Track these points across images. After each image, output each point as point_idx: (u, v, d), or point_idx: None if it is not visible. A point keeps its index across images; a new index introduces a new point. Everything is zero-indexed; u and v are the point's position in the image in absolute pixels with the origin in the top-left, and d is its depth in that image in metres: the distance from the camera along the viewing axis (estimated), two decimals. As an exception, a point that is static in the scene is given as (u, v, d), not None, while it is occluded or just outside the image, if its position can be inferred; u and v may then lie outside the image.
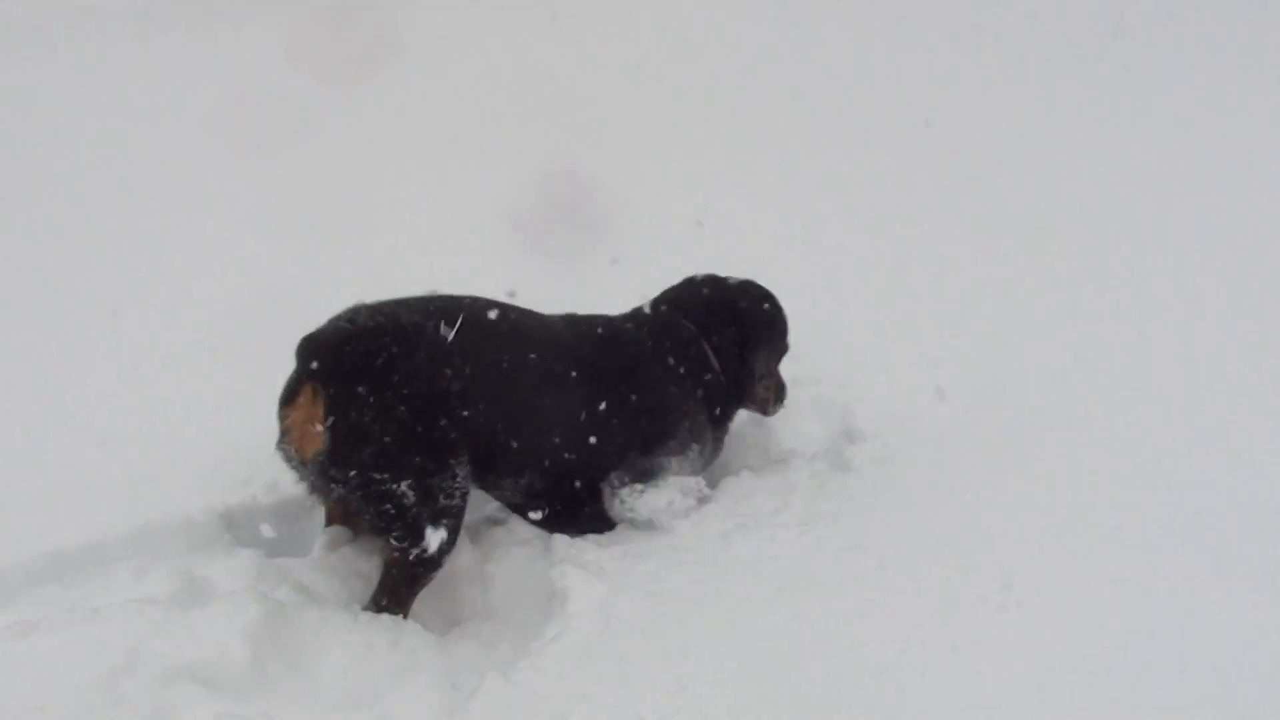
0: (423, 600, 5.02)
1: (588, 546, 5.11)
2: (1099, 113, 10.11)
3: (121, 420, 6.11)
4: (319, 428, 4.65)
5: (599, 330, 5.50)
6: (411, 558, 4.78)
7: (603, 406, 5.30)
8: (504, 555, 5.24)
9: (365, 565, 5.15)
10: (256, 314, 6.45)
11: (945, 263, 7.87)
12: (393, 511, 4.71)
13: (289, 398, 4.76)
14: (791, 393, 6.16)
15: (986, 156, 9.39)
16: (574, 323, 5.49)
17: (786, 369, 6.32)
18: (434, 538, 4.75)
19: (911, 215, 8.59)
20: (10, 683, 4.35)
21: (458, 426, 4.80)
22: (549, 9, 11.00)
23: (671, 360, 5.57)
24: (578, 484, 5.35)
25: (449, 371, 4.81)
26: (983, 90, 10.44)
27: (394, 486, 4.68)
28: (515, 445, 5.10)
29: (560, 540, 5.15)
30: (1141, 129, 9.82)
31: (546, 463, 5.23)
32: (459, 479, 4.80)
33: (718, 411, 5.73)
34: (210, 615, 4.65)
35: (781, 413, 6.02)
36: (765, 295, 5.95)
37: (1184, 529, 5.14)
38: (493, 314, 5.12)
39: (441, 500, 4.76)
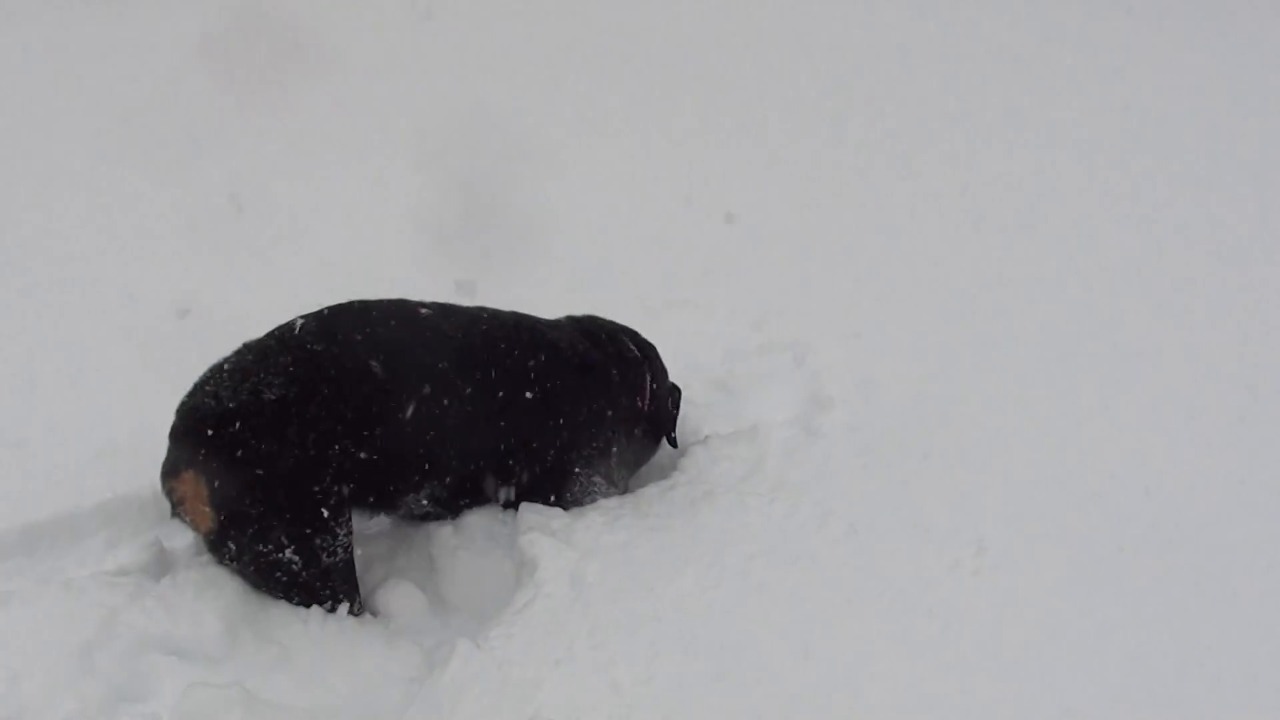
0: (393, 571, 5.06)
1: (556, 514, 5.11)
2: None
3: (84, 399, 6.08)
4: (206, 508, 4.68)
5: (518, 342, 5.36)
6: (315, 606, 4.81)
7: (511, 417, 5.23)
8: (472, 524, 5.24)
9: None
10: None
11: (916, 229, 7.89)
12: (284, 579, 4.73)
13: (172, 471, 4.75)
14: (759, 360, 6.19)
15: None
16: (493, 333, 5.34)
17: (751, 338, 6.37)
18: (326, 594, 4.77)
19: (869, 182, 8.61)
20: (-16, 653, 4.35)
21: (338, 483, 4.75)
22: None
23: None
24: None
25: (327, 430, 4.73)
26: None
27: (279, 556, 4.69)
28: (427, 466, 5.06)
29: (529, 509, 5.15)
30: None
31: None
32: (341, 535, 4.77)
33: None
34: (181, 587, 4.68)
35: (750, 380, 6.03)
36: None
37: (1157, 495, 5.20)
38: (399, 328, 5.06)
39: (325, 559, 4.75)
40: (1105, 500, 5.17)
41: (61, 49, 10.41)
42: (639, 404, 5.58)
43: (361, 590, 5.02)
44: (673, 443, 5.76)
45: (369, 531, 5.28)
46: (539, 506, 5.16)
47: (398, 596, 4.96)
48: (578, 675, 4.30)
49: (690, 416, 5.92)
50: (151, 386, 5.58)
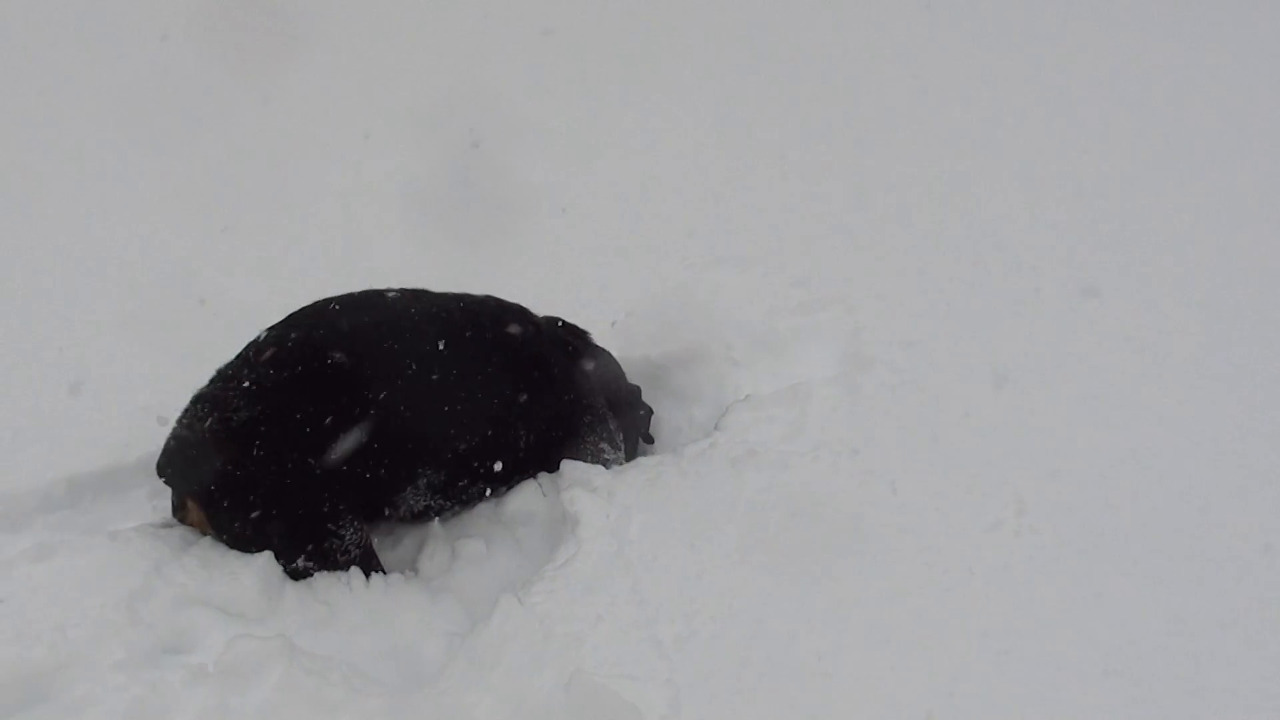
0: (432, 533, 5.11)
1: (598, 471, 5.11)
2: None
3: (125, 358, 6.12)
4: (215, 533, 4.79)
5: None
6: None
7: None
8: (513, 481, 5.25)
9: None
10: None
11: (958, 188, 7.83)
12: (309, 578, 4.77)
13: (179, 505, 4.85)
14: (800, 319, 6.18)
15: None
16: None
17: (791, 296, 6.36)
18: (349, 569, 4.81)
19: (913, 140, 8.56)
20: (31, 604, 4.39)
21: (331, 486, 4.76)
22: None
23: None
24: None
25: (307, 439, 4.72)
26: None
27: (295, 566, 4.74)
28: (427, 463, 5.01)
29: (570, 465, 5.15)
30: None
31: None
32: (349, 535, 4.79)
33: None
34: (220, 545, 4.78)
35: (791, 339, 6.03)
36: None
37: (1199, 450, 5.20)
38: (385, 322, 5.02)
39: (340, 559, 4.79)
40: (1144, 460, 5.16)
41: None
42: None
43: (402, 552, 5.06)
44: (648, 439, 5.77)
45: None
46: (581, 464, 5.16)
47: (438, 555, 4.98)
48: (619, 632, 4.33)
49: (731, 375, 5.90)
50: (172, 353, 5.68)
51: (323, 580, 4.73)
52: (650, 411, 5.77)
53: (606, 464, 5.32)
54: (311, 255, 7.13)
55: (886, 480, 5.01)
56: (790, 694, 4.11)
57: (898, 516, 4.84)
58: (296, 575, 4.73)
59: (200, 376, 4.88)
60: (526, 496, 5.15)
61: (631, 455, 5.58)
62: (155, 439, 5.08)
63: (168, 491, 4.95)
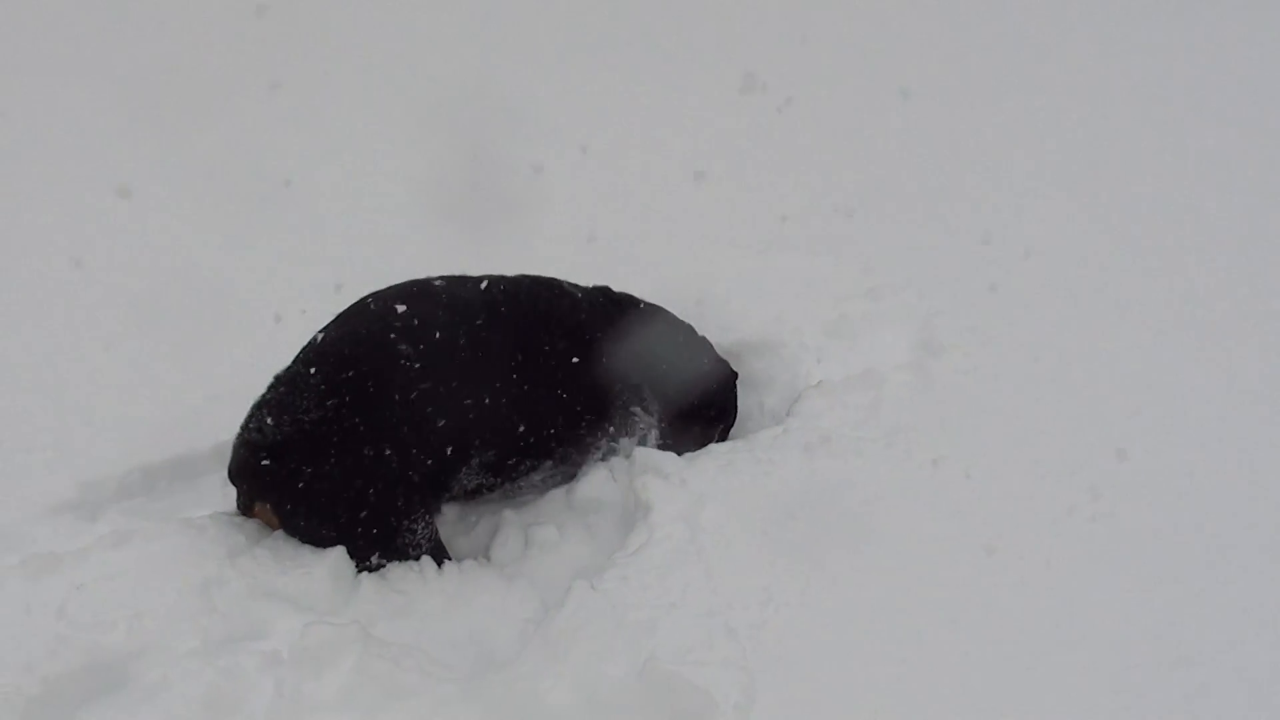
0: (503, 521, 5.11)
1: (670, 459, 5.09)
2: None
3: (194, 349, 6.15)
4: (288, 534, 4.81)
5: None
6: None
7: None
8: (586, 469, 5.26)
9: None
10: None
11: (1029, 175, 7.79)
12: (376, 571, 4.78)
13: (247, 508, 4.86)
14: (871, 305, 6.16)
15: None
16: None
17: (862, 282, 6.33)
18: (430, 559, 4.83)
19: (983, 126, 8.50)
20: (108, 590, 4.42)
21: (403, 480, 4.78)
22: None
23: None
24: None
25: (376, 435, 4.74)
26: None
27: (369, 563, 4.75)
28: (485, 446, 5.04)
29: (643, 452, 5.14)
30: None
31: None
32: (420, 529, 4.81)
33: None
34: (291, 538, 4.80)
35: (862, 325, 6.01)
36: None
37: (1269, 449, 5.13)
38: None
39: (411, 553, 4.80)
40: (1221, 449, 5.11)
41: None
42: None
43: (475, 539, 5.07)
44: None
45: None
46: (653, 451, 5.15)
47: (511, 543, 4.99)
48: (692, 618, 4.31)
49: (802, 362, 5.88)
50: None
51: (396, 570, 4.74)
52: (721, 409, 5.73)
53: (638, 430, 5.32)
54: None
55: (960, 466, 4.97)
56: (865, 680, 4.09)
57: (972, 502, 4.81)
58: (371, 571, 4.74)
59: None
60: (598, 483, 5.14)
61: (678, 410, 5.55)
62: (228, 428, 5.13)
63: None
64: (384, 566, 4.74)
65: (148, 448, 5.39)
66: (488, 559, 4.94)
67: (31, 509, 5.06)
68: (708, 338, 5.64)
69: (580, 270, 5.55)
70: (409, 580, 4.68)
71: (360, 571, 4.73)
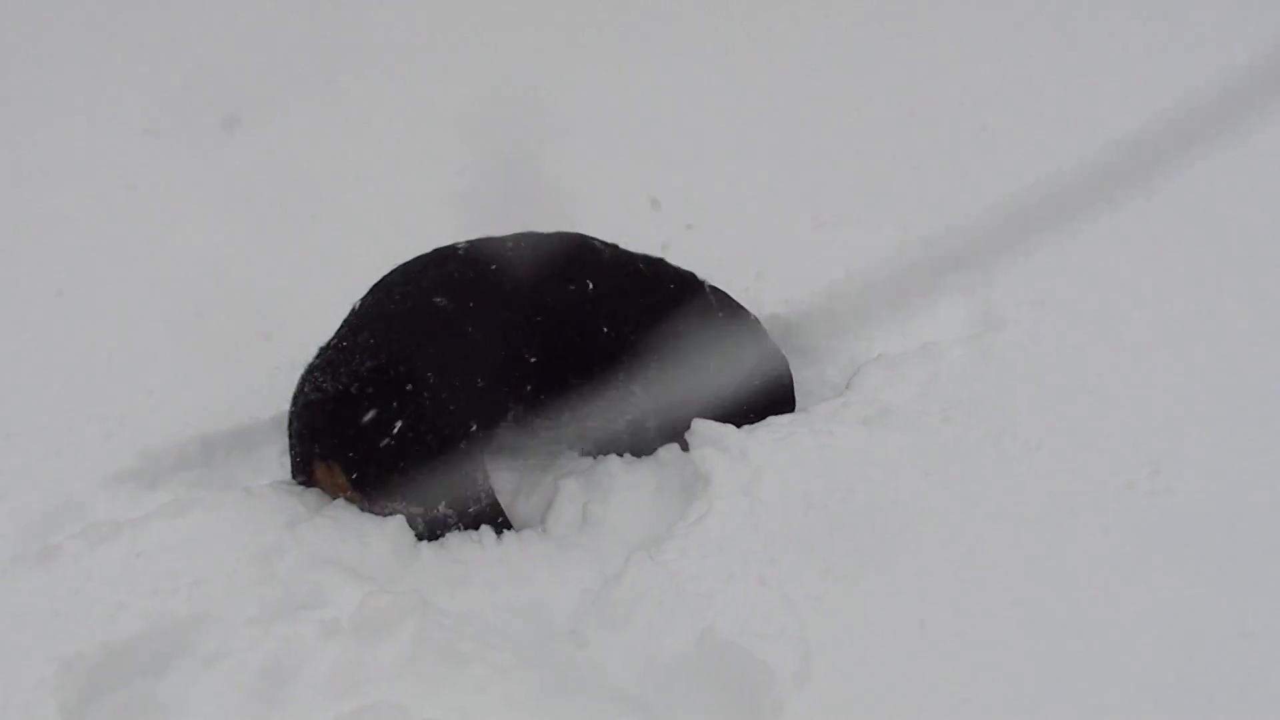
0: (560, 493, 5.10)
1: (729, 430, 5.06)
2: None
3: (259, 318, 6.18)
4: (350, 492, 4.82)
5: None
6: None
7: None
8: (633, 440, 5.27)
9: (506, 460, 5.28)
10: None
11: (1092, 151, 7.70)
12: (439, 531, 4.83)
13: (305, 475, 4.91)
14: (931, 277, 6.13)
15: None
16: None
17: (922, 255, 6.29)
18: (489, 528, 4.87)
19: (1044, 98, 8.42)
20: (167, 559, 4.46)
21: (464, 428, 4.85)
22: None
23: None
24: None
25: (438, 385, 4.82)
26: None
27: (436, 513, 4.80)
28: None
29: (702, 424, 5.11)
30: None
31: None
32: (481, 480, 4.88)
33: None
34: (351, 507, 4.83)
35: (922, 298, 5.98)
36: None
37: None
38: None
39: (473, 509, 4.85)
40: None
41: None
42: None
43: (531, 512, 5.08)
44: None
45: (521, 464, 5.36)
46: (712, 423, 5.11)
47: (569, 514, 4.99)
48: (751, 590, 4.29)
49: (862, 334, 5.86)
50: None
51: (455, 540, 4.77)
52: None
53: (630, 400, 5.28)
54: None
55: (1020, 440, 4.93)
56: (924, 653, 4.08)
57: (1031, 476, 4.77)
58: (435, 525, 4.78)
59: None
60: (657, 455, 5.16)
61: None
62: (286, 398, 5.15)
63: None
64: (449, 522, 4.80)
65: (207, 418, 5.42)
66: (544, 529, 4.94)
67: (92, 478, 5.08)
68: (758, 320, 5.62)
69: (640, 245, 5.54)
70: (468, 550, 4.70)
71: (425, 528, 4.79)
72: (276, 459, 5.28)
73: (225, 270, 6.61)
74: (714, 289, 5.49)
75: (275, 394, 5.48)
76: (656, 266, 5.47)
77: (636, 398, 5.24)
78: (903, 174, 7.34)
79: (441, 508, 4.79)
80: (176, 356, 5.84)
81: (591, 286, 5.20)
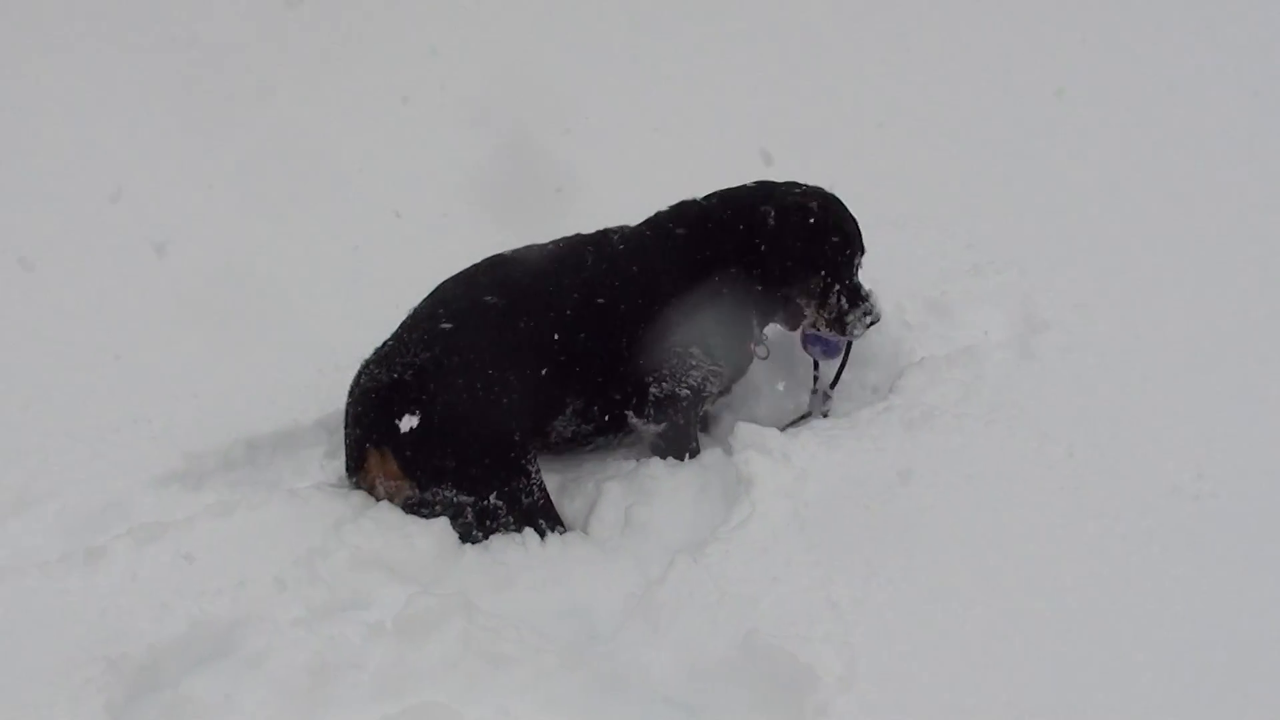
0: (604, 495, 5.10)
1: (772, 434, 5.06)
2: None
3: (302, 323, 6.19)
4: (400, 480, 4.84)
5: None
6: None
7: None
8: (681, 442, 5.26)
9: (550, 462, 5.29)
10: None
11: (1131, 153, 7.68)
12: (490, 525, 4.86)
13: (357, 464, 4.93)
14: (972, 281, 6.10)
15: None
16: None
17: (964, 258, 6.27)
18: (532, 531, 4.89)
19: (1083, 101, 8.39)
20: (213, 560, 4.49)
21: (516, 422, 4.91)
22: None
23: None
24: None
25: (492, 376, 4.89)
26: None
27: (488, 502, 4.83)
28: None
29: (745, 427, 5.11)
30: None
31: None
32: (533, 473, 4.92)
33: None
34: (396, 509, 4.85)
35: (964, 301, 5.95)
36: (798, 205, 5.42)
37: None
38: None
39: (524, 500, 4.88)
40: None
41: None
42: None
43: (574, 515, 5.09)
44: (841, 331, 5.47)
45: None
46: (755, 426, 5.12)
47: (612, 516, 5.00)
48: (795, 593, 4.30)
49: (904, 338, 5.84)
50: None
51: (499, 541, 4.80)
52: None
53: (694, 373, 5.23)
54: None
55: (1063, 444, 4.91)
56: (966, 655, 4.06)
57: (1075, 480, 4.74)
58: (485, 516, 4.82)
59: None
60: (701, 458, 5.19)
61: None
62: (331, 401, 5.17)
63: (342, 452, 5.03)
64: (500, 515, 4.84)
65: (251, 420, 5.44)
66: (586, 533, 4.95)
67: (137, 480, 5.10)
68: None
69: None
70: (511, 551, 4.72)
71: (475, 519, 4.83)
72: (320, 461, 5.32)
73: (266, 275, 6.65)
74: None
75: (319, 396, 5.54)
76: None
77: (696, 359, 5.24)
78: (943, 178, 7.33)
79: (493, 498, 4.82)
80: (221, 360, 5.86)
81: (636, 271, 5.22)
